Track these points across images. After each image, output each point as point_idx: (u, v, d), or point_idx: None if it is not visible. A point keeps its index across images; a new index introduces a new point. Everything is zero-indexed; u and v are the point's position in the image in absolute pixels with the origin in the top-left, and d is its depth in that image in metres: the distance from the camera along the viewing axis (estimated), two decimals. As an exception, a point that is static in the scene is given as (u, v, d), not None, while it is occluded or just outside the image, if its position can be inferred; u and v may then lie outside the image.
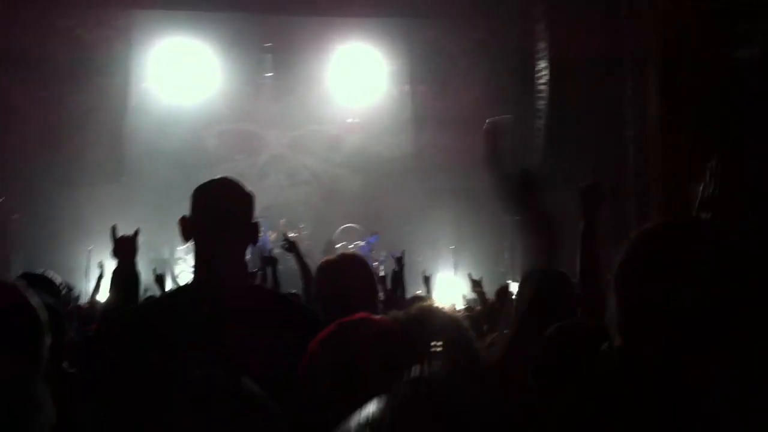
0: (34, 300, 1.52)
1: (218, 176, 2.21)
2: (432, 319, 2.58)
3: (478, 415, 0.86)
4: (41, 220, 11.29)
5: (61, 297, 3.22)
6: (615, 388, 0.95)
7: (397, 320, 2.09)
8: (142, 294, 5.01)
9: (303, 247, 10.29)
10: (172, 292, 2.47)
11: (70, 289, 6.36)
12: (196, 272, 2.18)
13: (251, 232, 2.17)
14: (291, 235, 12.08)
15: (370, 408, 0.89)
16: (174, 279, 11.31)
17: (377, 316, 1.84)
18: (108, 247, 3.07)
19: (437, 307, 2.83)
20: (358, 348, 1.60)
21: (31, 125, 11.61)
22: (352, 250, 12.73)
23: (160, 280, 5.83)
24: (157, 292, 5.45)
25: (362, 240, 12.96)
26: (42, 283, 2.87)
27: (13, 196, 11.20)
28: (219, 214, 2.11)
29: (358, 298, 2.64)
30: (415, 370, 0.93)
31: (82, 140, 12.22)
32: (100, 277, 7.08)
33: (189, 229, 2.11)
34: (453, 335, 2.56)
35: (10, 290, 1.52)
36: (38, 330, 1.51)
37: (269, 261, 5.05)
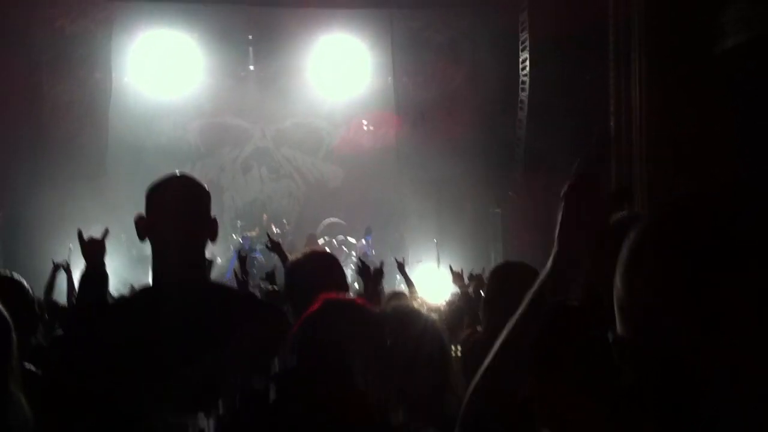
0: None
1: (173, 173, 2.17)
2: (407, 321, 2.55)
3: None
4: (22, 218, 11.13)
5: (29, 298, 3.17)
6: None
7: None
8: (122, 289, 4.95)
9: (286, 242, 10.26)
10: (134, 293, 2.45)
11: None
12: (154, 273, 2.13)
13: (210, 228, 2.12)
14: (275, 230, 12.02)
15: None
16: None
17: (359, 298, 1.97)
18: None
19: (413, 309, 2.79)
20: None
21: (12, 117, 11.41)
22: (331, 245, 12.66)
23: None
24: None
25: (362, 239, 12.93)
26: (7, 285, 2.86)
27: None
28: (175, 211, 2.07)
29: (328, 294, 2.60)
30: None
31: (64, 134, 12.07)
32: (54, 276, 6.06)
33: (145, 228, 2.07)
34: (427, 338, 2.54)
35: None
36: (5, 329, 1.53)
37: (243, 259, 5.13)
